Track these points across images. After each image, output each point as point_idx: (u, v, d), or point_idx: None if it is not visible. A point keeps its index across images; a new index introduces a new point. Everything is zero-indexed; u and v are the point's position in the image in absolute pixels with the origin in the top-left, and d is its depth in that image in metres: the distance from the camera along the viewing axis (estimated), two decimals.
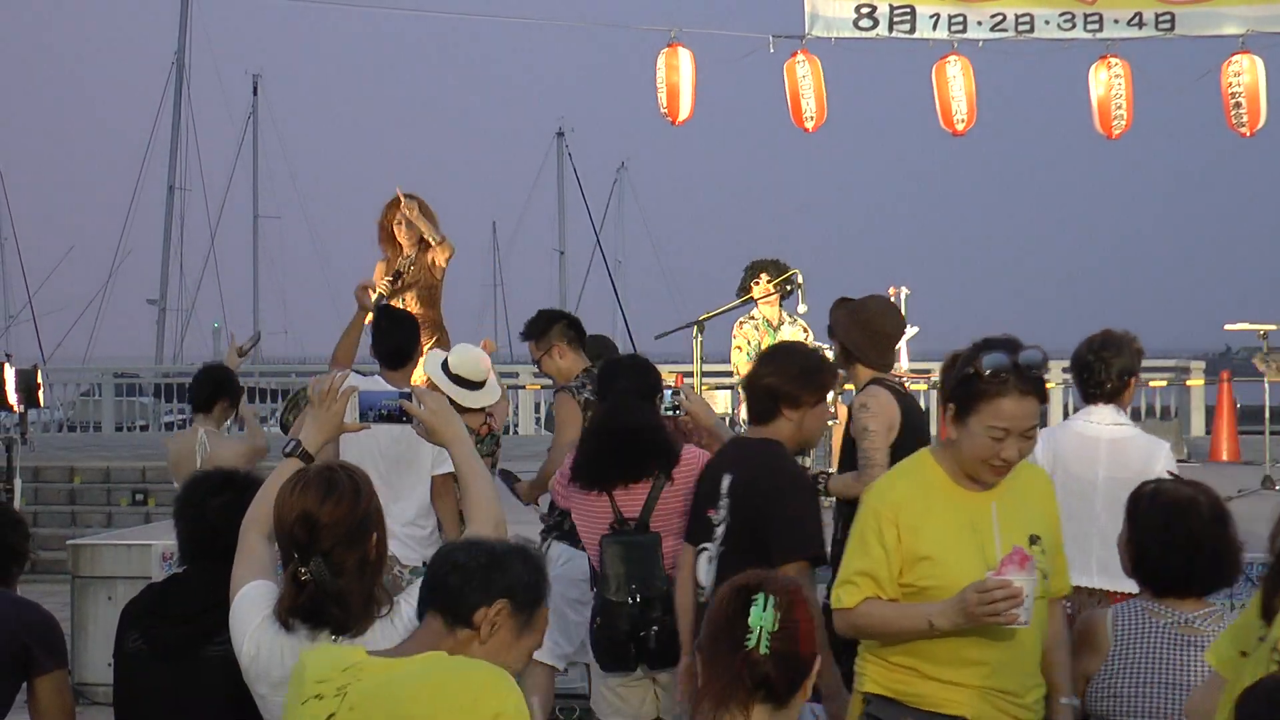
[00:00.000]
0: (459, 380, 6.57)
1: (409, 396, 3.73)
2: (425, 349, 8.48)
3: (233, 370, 7.51)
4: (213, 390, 7.26)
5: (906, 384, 8.31)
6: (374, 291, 8.10)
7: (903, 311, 11.26)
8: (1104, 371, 5.55)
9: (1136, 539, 3.96)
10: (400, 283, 8.63)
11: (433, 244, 8.67)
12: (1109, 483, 5.31)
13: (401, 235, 8.75)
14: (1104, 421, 5.58)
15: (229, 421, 7.51)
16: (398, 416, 3.75)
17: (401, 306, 8.59)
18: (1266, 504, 10.16)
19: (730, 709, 2.82)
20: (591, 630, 5.31)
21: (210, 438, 7.17)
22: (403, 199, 8.69)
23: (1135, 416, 17.73)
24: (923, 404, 18.46)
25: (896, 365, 11.05)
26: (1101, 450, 5.53)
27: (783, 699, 2.84)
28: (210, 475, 4.16)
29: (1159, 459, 5.49)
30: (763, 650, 2.79)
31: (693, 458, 5.23)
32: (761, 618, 2.81)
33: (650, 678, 5.31)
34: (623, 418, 5.30)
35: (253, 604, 3.44)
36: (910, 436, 5.46)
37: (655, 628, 5.13)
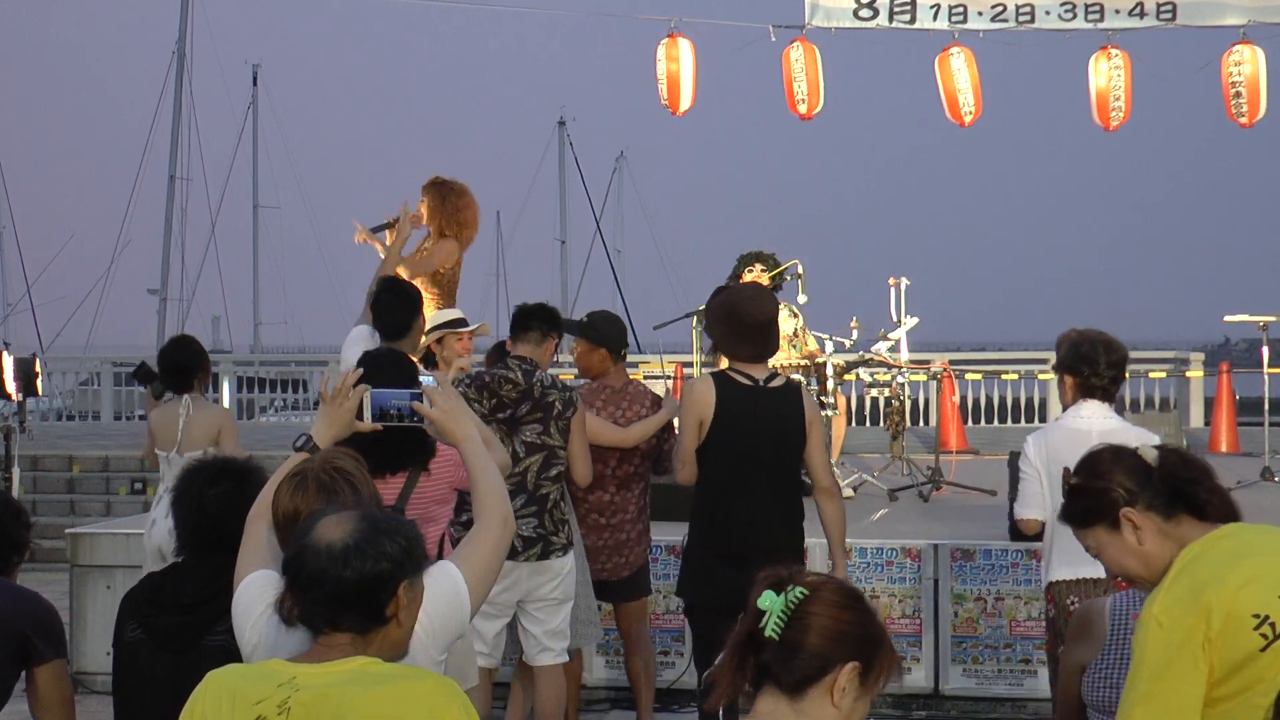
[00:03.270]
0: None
1: (420, 397, 3.73)
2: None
3: (195, 344, 7.97)
4: (180, 376, 7.70)
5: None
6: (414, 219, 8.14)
7: (903, 302, 11.29)
8: (1107, 368, 5.62)
9: None
10: (391, 227, 8.51)
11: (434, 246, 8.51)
12: None
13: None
14: (1094, 416, 5.62)
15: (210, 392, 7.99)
16: (408, 416, 3.77)
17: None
18: (1266, 496, 10.18)
19: (737, 686, 2.85)
20: None
21: (195, 403, 7.69)
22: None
23: (1134, 409, 17.82)
24: (920, 395, 18.61)
25: (897, 355, 11.07)
26: (1093, 444, 5.52)
27: (790, 689, 2.81)
28: (207, 465, 4.16)
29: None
30: (769, 633, 2.79)
31: (450, 452, 5.24)
32: (773, 601, 2.80)
33: None
34: None
35: (257, 593, 3.44)
36: (724, 429, 5.70)
37: None
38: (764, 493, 5.78)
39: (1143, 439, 5.59)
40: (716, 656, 6.07)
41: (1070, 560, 5.48)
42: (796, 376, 9.73)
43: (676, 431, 6.91)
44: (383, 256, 7.92)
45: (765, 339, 5.86)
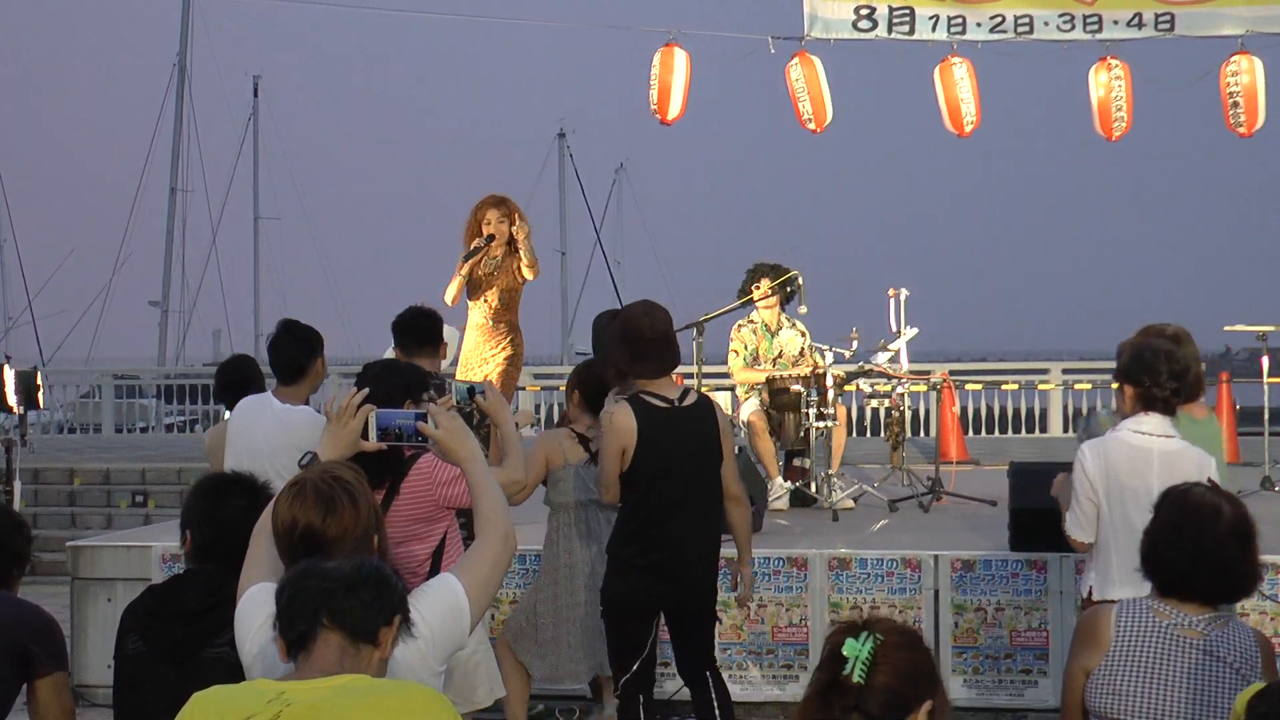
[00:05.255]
0: None
1: (424, 418, 3.80)
2: (500, 348, 8.96)
3: (250, 364, 7.69)
4: (236, 392, 7.37)
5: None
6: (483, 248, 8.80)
7: (903, 313, 11.30)
8: (1169, 379, 5.39)
9: (1151, 534, 3.96)
10: (480, 256, 8.87)
11: (523, 259, 8.92)
12: None
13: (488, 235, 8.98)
14: (1155, 432, 5.43)
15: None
16: (412, 436, 3.83)
17: (482, 303, 8.98)
18: (1267, 505, 10.17)
19: None
20: None
21: None
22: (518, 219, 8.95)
23: None
24: (920, 406, 18.54)
25: (897, 365, 11.07)
26: (1154, 462, 5.40)
27: None
28: (224, 480, 4.21)
29: (1208, 473, 5.30)
30: (856, 678, 2.91)
31: (426, 468, 5.11)
32: (857, 648, 2.93)
33: None
34: None
35: (257, 605, 3.47)
36: (649, 455, 5.74)
37: None
38: (688, 508, 5.86)
39: (1203, 460, 5.50)
40: (630, 652, 6.23)
41: (1134, 580, 5.27)
42: (797, 387, 9.77)
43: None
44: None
45: (665, 352, 5.86)
